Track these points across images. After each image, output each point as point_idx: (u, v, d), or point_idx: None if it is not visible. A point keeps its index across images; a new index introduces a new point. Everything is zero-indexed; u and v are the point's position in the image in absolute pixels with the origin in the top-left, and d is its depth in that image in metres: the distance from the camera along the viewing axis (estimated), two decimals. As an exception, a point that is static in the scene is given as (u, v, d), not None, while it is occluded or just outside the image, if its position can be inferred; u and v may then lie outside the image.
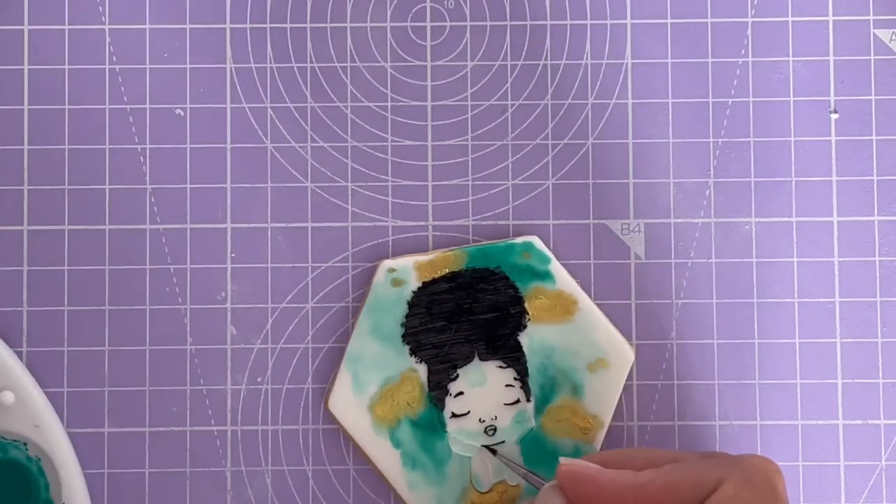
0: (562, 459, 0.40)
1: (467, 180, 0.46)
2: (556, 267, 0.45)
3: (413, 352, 0.44)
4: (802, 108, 0.46)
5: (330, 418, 0.45)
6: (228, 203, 0.46)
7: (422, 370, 0.44)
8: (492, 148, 0.46)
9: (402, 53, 0.46)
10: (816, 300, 0.46)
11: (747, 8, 0.46)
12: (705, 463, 0.38)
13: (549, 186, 0.46)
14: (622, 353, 0.44)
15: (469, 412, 0.44)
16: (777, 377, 0.45)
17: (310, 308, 0.45)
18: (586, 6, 0.46)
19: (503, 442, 0.44)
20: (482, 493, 0.44)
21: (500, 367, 0.44)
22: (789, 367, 0.45)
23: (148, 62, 0.46)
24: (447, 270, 0.45)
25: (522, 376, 0.45)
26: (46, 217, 0.45)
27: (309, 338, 0.45)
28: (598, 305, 0.45)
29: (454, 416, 0.44)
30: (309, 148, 0.46)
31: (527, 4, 0.46)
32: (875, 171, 0.46)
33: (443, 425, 0.44)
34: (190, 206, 0.46)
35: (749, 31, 0.46)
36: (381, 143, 0.46)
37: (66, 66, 0.46)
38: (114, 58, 0.46)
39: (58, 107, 0.46)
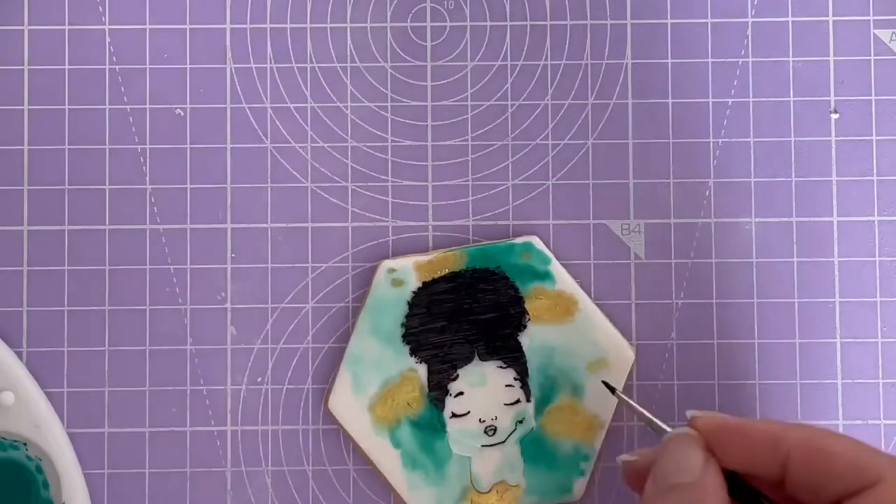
0: (691, 412, 0.37)
1: (467, 180, 0.46)
2: (556, 267, 0.45)
3: (413, 352, 0.44)
4: (802, 108, 0.46)
5: (330, 418, 0.45)
6: (228, 203, 0.46)
7: (422, 370, 0.44)
8: (492, 148, 0.46)
9: (402, 53, 0.46)
10: (816, 300, 0.46)
11: (747, 8, 0.46)
12: (865, 448, 0.34)
13: (549, 186, 0.46)
14: (622, 353, 0.44)
15: (469, 412, 0.44)
16: (777, 377, 0.45)
17: (310, 308, 0.45)
18: (586, 6, 0.46)
19: (503, 442, 0.44)
20: (482, 493, 0.44)
21: (500, 367, 0.44)
22: (789, 367, 0.45)
23: (148, 62, 0.46)
24: (447, 270, 0.45)
25: (522, 376, 0.44)
26: (46, 217, 0.45)
27: (309, 338, 0.45)
28: (598, 305, 0.45)
29: (454, 416, 0.44)
30: (309, 148, 0.46)
31: (527, 4, 0.46)
32: (875, 171, 0.46)
33: (443, 425, 0.44)
34: (190, 206, 0.46)
35: (749, 31, 0.46)
36: (381, 143, 0.46)
37: (66, 66, 0.46)
38: (114, 58, 0.46)
39: (58, 107, 0.46)
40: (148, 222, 0.45)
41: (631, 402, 0.41)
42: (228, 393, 0.45)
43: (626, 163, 0.46)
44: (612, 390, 0.43)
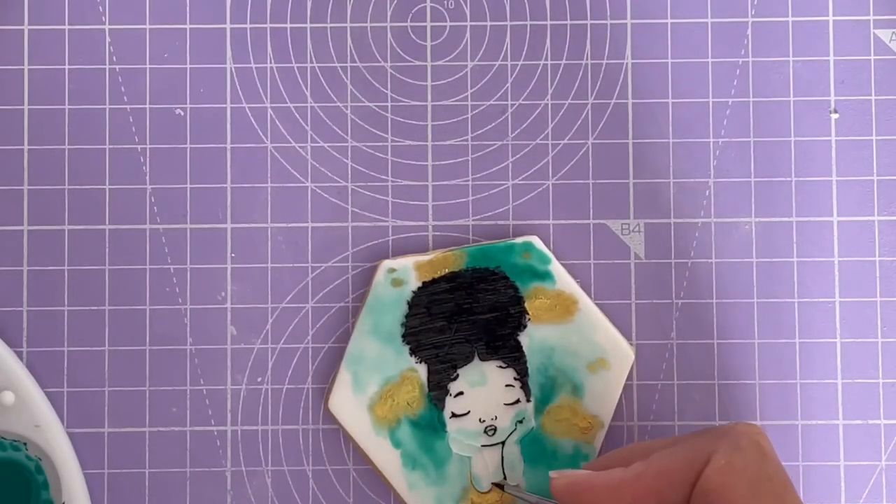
0: (552, 473, 0.40)
1: (467, 180, 0.46)
2: (556, 267, 0.45)
3: (413, 352, 0.44)
4: (802, 108, 0.46)
5: (330, 418, 0.45)
6: (228, 203, 0.46)
7: (422, 370, 0.44)
8: (492, 148, 0.46)
9: (402, 53, 0.46)
10: (816, 300, 0.46)
11: (747, 8, 0.46)
12: (692, 442, 0.38)
13: (549, 186, 0.46)
14: (622, 353, 0.44)
15: (469, 412, 0.44)
16: (777, 377, 0.45)
17: (310, 308, 0.45)
18: (586, 6, 0.46)
19: (503, 442, 0.44)
20: (482, 493, 0.44)
21: (500, 367, 0.44)
22: (789, 367, 0.45)
23: (148, 62, 0.46)
24: (447, 270, 0.45)
25: (522, 376, 0.44)
26: (46, 217, 0.45)
27: (309, 338, 0.45)
28: (598, 305, 0.45)
29: (454, 416, 0.44)
30: (309, 148, 0.46)
31: (527, 4, 0.46)
32: (875, 171, 0.46)
33: (443, 425, 0.44)
34: (190, 206, 0.46)
35: (749, 31, 0.46)
36: (381, 143, 0.46)
37: (66, 66, 0.46)
38: (114, 58, 0.46)
39: (58, 107, 0.46)
40: (148, 222, 0.45)
41: (523, 493, 0.43)
42: (228, 393, 0.45)
43: (626, 163, 0.46)
44: (502, 488, 0.44)
